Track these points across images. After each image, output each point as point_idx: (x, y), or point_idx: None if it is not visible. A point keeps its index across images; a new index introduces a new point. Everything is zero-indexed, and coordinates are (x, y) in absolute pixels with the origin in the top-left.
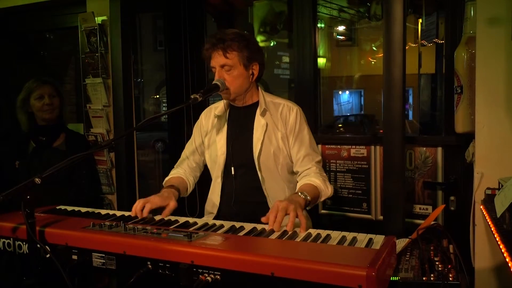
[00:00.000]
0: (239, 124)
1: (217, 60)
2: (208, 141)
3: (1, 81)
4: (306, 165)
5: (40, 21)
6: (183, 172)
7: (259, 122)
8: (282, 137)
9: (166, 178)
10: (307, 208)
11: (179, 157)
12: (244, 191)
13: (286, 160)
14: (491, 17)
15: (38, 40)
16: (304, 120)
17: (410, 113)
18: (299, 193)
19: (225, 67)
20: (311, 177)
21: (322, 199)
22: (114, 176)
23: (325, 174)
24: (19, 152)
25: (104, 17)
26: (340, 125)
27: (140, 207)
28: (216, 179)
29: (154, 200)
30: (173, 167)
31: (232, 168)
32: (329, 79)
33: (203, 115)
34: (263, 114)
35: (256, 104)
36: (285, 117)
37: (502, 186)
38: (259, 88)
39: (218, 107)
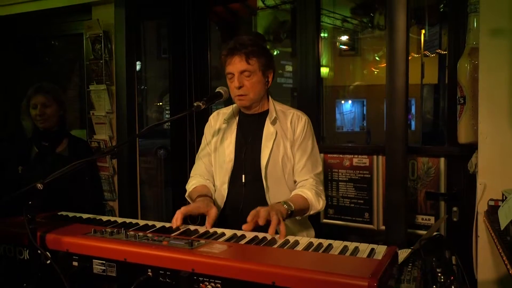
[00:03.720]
0: (249, 131)
1: (237, 66)
2: (215, 144)
3: (6, 86)
4: (304, 176)
5: (45, 28)
6: (203, 180)
7: (269, 131)
8: (291, 146)
9: (189, 190)
10: (297, 218)
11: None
12: (250, 200)
13: (293, 169)
14: (494, 28)
15: (43, 46)
16: (310, 131)
17: (413, 123)
18: (282, 202)
19: (245, 73)
20: (304, 189)
21: (312, 212)
22: (116, 182)
23: (321, 188)
24: (22, 157)
25: (109, 25)
26: None
27: (181, 218)
28: (222, 185)
29: (195, 205)
30: (190, 175)
31: (244, 176)
32: (332, 89)
33: (212, 118)
34: (273, 122)
35: (266, 112)
36: (293, 126)
37: (506, 197)
38: (269, 96)
39: (226, 112)
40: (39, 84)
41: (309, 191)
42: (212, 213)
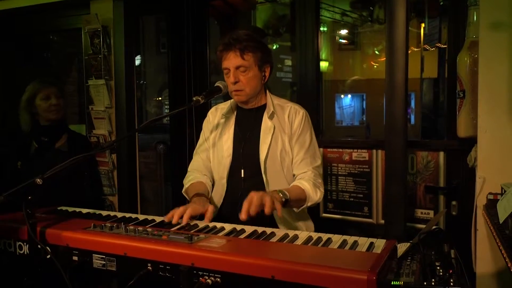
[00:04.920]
0: (247, 126)
1: (233, 61)
2: (213, 139)
3: (4, 82)
4: (302, 169)
5: (43, 23)
6: (200, 175)
7: (267, 125)
8: (289, 140)
9: (186, 186)
10: (295, 210)
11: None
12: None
13: (292, 162)
14: (494, 21)
15: (41, 41)
16: (308, 124)
17: (412, 117)
18: (277, 191)
19: (241, 68)
20: (302, 181)
21: (309, 204)
22: (115, 177)
23: (320, 181)
24: (21, 152)
25: (108, 19)
26: None
27: (180, 212)
28: (221, 180)
29: (193, 206)
30: (188, 170)
31: (242, 170)
32: (331, 83)
33: (210, 113)
34: (271, 117)
35: (263, 107)
36: (291, 120)
37: (504, 191)
38: (267, 90)
39: (224, 108)
40: (44, 78)
41: (306, 183)
42: (209, 210)
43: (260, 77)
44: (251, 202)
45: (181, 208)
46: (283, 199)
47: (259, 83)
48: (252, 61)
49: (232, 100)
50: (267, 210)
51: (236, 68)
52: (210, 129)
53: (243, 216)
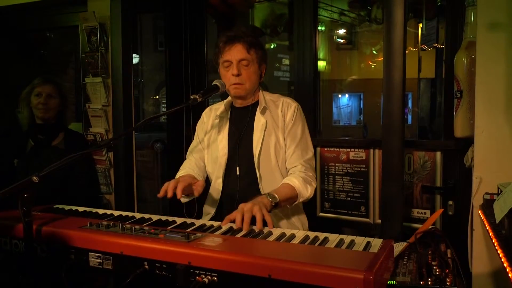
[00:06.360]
0: (240, 124)
1: (237, 54)
2: (208, 140)
3: (0, 79)
4: (294, 163)
5: (40, 20)
6: (191, 171)
7: (259, 121)
8: (283, 133)
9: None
10: (288, 206)
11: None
12: (246, 191)
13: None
14: (492, 22)
15: (38, 39)
16: (300, 117)
17: (409, 117)
18: (266, 195)
19: (244, 62)
20: (292, 177)
21: (301, 200)
22: (112, 176)
23: (311, 174)
24: (18, 150)
25: (105, 17)
26: None
27: (173, 186)
28: (217, 179)
29: (183, 179)
30: (180, 169)
31: (238, 168)
32: (329, 82)
33: (204, 114)
34: (263, 112)
35: (256, 104)
36: (284, 113)
37: (501, 191)
38: (260, 88)
39: (219, 108)
40: (47, 76)
41: (296, 180)
42: (198, 183)
43: (258, 74)
44: (242, 217)
45: (172, 182)
46: (273, 203)
47: (257, 80)
48: (255, 56)
49: (226, 100)
50: (258, 226)
51: (239, 62)
52: (204, 130)
53: (237, 227)
